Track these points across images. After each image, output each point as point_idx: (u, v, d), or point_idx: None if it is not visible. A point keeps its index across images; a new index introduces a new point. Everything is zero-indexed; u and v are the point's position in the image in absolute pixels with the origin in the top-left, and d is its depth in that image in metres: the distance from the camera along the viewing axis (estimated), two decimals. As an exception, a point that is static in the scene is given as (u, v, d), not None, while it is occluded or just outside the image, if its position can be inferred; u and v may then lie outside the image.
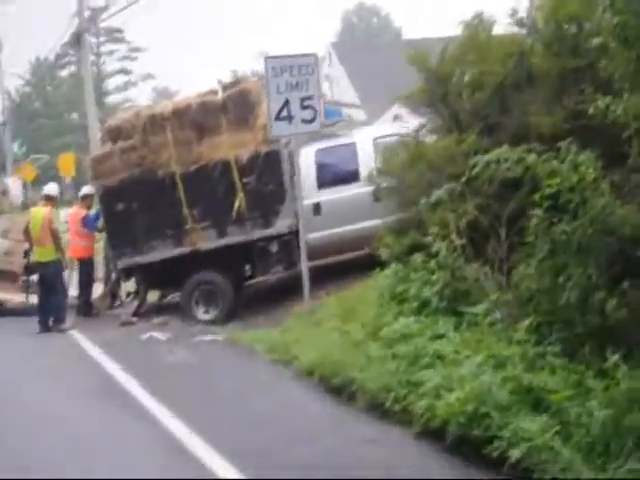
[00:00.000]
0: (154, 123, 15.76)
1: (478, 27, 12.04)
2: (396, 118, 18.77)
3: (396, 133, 16.06)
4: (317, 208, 15.05)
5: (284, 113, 13.48)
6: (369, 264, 15.48)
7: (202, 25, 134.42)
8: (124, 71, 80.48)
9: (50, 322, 15.93)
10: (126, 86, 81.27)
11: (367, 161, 15.21)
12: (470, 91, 11.13)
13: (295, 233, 15.09)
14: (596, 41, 10.69)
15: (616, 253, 7.88)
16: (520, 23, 11.70)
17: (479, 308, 8.63)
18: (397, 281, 10.31)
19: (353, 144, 15.57)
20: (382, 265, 12.83)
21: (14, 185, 21.02)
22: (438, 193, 9.28)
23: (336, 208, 15.13)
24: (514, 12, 11.84)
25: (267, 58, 13.53)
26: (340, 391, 8.88)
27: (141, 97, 75.71)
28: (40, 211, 16.67)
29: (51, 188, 17.35)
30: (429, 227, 10.09)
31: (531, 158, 8.98)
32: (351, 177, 15.36)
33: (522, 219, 9.95)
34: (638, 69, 9.37)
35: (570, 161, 8.28)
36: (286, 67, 13.50)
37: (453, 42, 12.18)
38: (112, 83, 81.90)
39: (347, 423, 8.33)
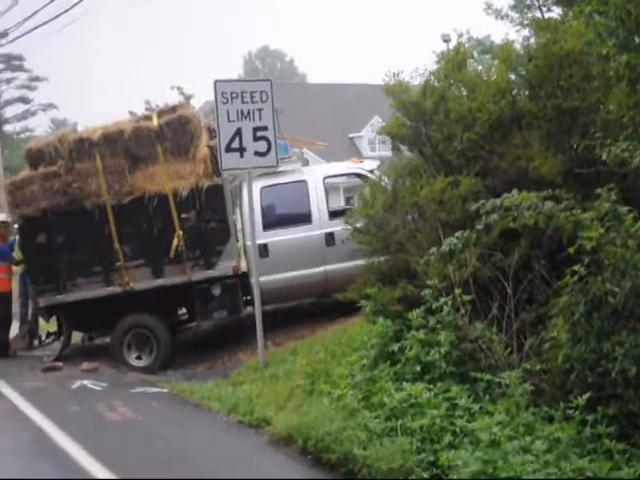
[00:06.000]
0: (81, 148, 14.19)
1: (460, 59, 11.06)
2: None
3: (349, 172, 15.10)
4: (264, 250, 13.72)
5: (235, 144, 12.13)
6: (317, 312, 14.49)
7: (105, 58, 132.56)
8: (23, 99, 77.60)
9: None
10: (25, 115, 78.39)
11: (318, 201, 14.14)
12: (461, 130, 10.04)
13: (240, 276, 13.93)
14: (599, 82, 9.97)
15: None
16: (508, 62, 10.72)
17: (507, 376, 7.36)
18: (388, 339, 9.01)
19: (304, 182, 14.31)
20: (346, 314, 11.71)
21: None
22: (450, 241, 8.08)
23: (285, 251, 13.88)
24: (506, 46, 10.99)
25: (217, 81, 12.05)
26: (336, 466, 7.45)
27: (39, 127, 73.04)
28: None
29: None
30: (425, 279, 8.93)
31: (548, 206, 8.00)
32: (302, 218, 14.15)
33: (527, 274, 9.01)
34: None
35: (612, 212, 7.31)
36: (237, 93, 12.16)
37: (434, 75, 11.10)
38: (10, 111, 78.94)
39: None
